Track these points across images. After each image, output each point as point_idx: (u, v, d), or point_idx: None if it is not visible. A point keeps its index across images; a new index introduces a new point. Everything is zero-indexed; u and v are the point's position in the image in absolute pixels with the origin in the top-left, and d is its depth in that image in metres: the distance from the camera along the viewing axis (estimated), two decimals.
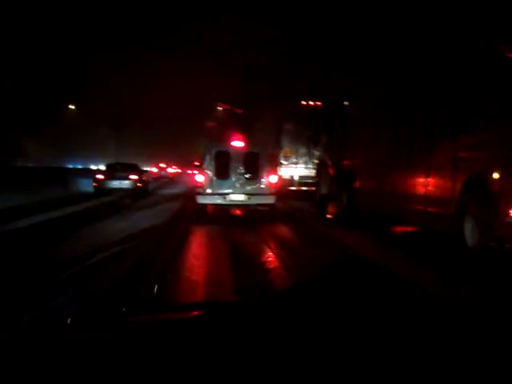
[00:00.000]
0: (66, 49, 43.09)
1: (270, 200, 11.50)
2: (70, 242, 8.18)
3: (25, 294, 4.76)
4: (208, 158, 11.60)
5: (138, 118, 61.07)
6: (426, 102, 8.38)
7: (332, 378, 0.97)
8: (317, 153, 16.75)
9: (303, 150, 18.12)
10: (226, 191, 11.33)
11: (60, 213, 12.75)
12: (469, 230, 6.90)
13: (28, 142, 40.56)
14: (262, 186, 11.54)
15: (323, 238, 9.38)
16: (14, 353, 1.06)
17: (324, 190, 14.65)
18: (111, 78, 52.43)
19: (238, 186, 11.41)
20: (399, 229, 9.71)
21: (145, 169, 29.36)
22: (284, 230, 10.27)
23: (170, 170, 62.81)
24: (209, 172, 11.46)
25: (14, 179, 18.23)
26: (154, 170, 53.95)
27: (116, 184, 20.40)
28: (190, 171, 35.04)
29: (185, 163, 62.09)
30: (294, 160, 18.28)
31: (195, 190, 11.63)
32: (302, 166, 18.23)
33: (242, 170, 11.47)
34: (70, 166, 41.14)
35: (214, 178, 11.43)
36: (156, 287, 4.86)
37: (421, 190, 8.33)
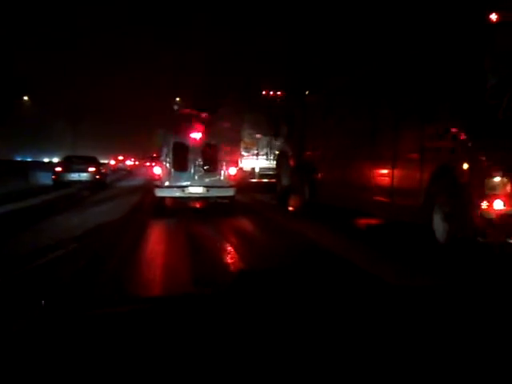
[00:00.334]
0: (16, 39, 41.45)
1: (230, 192, 11.37)
2: (31, 234, 8.20)
3: None
4: (166, 149, 11.39)
5: (95, 110, 59.66)
6: (391, 90, 8.11)
7: (278, 370, 0.95)
8: (278, 144, 16.63)
9: (264, 141, 17.95)
10: (185, 184, 11.15)
11: (23, 204, 12.84)
12: (437, 222, 6.63)
13: None
14: (221, 178, 11.41)
15: (283, 230, 9.30)
16: None
17: (285, 181, 14.51)
18: (66, 71, 51.00)
19: (196, 178, 11.23)
20: (363, 221, 9.57)
21: (103, 161, 29.32)
22: (244, 223, 10.14)
23: (128, 162, 62.43)
24: (167, 164, 11.26)
25: None
26: (113, 162, 53.60)
27: (75, 176, 20.69)
28: (148, 163, 34.60)
29: (143, 155, 61.40)
30: (255, 151, 18.11)
31: (153, 183, 11.42)
32: (264, 157, 18.08)
33: (200, 162, 11.29)
34: (19, 159, 40.55)
35: (172, 171, 11.23)
36: (113, 282, 4.95)
37: (386, 181, 8.05)
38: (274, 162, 16.78)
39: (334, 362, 0.98)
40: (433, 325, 1.18)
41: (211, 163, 11.36)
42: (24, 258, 6.13)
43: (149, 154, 39.49)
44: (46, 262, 6.06)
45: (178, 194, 11.19)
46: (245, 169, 17.28)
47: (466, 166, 6.07)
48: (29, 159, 44.02)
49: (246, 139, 18.05)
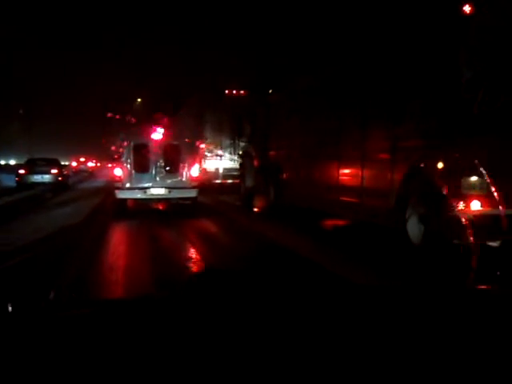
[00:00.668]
0: None
1: (192, 193, 11.22)
2: None
3: None
4: (126, 151, 11.22)
5: (52, 112, 58.18)
6: (358, 88, 7.83)
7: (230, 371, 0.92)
8: (241, 144, 16.48)
9: (228, 142, 17.79)
10: (146, 185, 10.94)
11: None
12: (411, 223, 6.37)
13: None
14: (183, 179, 11.25)
15: (247, 231, 9.21)
16: None
17: (249, 182, 14.26)
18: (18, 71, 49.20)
19: (158, 179, 11.05)
20: (330, 222, 9.38)
21: (64, 163, 29.68)
22: (207, 224, 9.99)
23: (90, 164, 61.76)
24: (127, 165, 11.05)
25: None
26: (74, 164, 52.97)
27: (38, 178, 21.03)
28: (110, 165, 34.11)
29: (105, 157, 60.64)
30: (219, 152, 17.95)
31: (114, 185, 11.19)
32: (227, 158, 17.92)
33: (161, 163, 11.13)
34: None
35: (133, 172, 11.02)
36: (76, 284, 4.99)
37: (355, 182, 7.75)
38: (238, 163, 16.63)
39: (291, 362, 0.96)
40: (382, 322, 1.18)
41: (173, 164, 11.20)
42: None
43: (111, 155, 38.98)
44: (7, 266, 5.92)
45: (139, 195, 10.99)
46: (208, 169, 17.11)
47: (440, 165, 5.85)
48: None
49: (209, 139, 17.87)
